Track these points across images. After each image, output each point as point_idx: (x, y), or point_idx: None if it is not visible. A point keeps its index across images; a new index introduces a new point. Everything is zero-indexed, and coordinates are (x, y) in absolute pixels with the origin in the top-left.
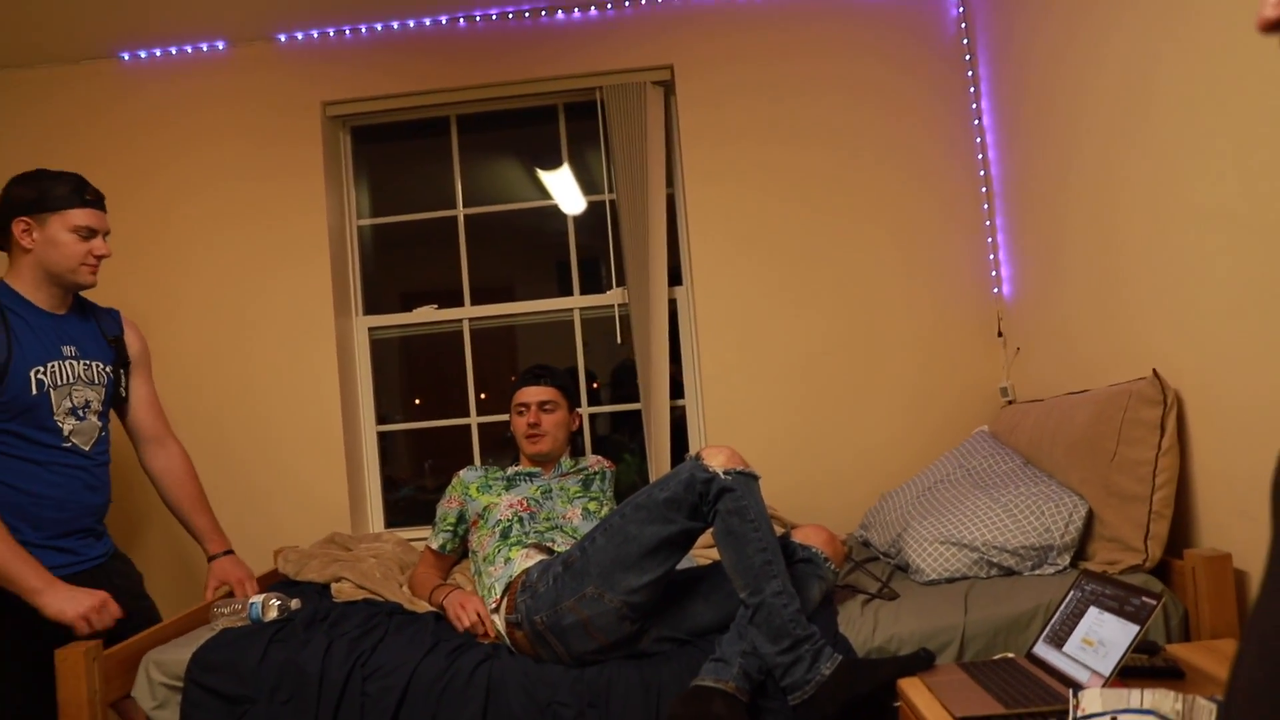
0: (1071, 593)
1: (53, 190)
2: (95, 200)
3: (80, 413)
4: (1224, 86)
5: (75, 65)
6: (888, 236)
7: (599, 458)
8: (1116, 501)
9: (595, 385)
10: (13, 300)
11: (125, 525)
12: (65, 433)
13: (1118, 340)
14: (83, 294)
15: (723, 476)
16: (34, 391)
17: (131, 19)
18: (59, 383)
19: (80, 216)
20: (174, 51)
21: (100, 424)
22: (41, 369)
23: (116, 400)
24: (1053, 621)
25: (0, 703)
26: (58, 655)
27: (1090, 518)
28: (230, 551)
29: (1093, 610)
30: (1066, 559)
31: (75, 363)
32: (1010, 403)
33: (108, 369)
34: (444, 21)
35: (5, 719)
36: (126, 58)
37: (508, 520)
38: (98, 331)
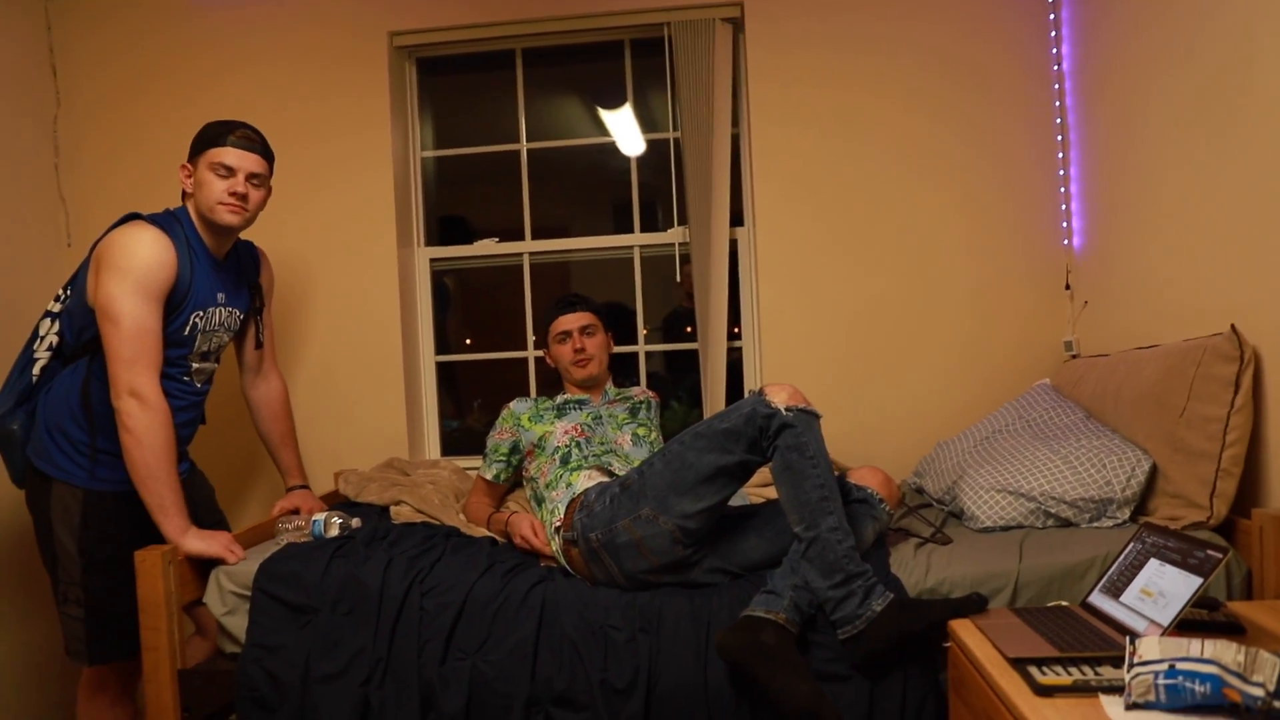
0: (1132, 544)
1: (205, 133)
2: (242, 141)
3: (210, 356)
4: None
5: None
6: (953, 187)
7: (644, 389)
8: (1183, 458)
9: (646, 331)
10: (196, 240)
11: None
12: (191, 370)
13: (1194, 296)
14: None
15: (784, 412)
16: (186, 333)
17: None
18: (206, 328)
19: (220, 154)
20: None
21: (218, 364)
22: (201, 313)
23: (239, 338)
24: (1110, 571)
25: (103, 597)
26: (138, 556)
27: (1154, 473)
28: (307, 487)
29: (1153, 562)
30: (1126, 513)
31: (222, 310)
32: (1074, 357)
33: (241, 316)
34: None
35: (106, 612)
36: None
37: (565, 446)
38: (242, 276)
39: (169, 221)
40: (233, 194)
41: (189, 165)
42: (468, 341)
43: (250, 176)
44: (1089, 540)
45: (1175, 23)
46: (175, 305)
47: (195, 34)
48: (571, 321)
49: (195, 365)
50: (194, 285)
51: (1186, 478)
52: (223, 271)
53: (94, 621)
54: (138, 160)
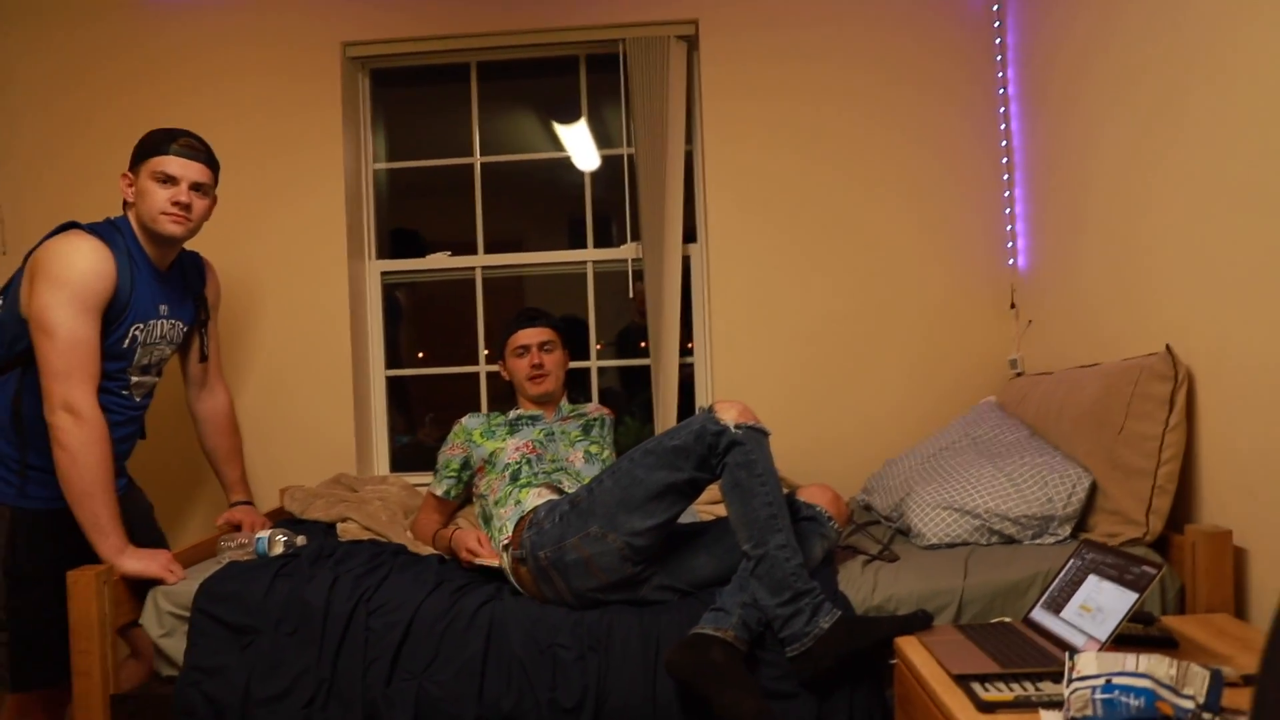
0: (1072, 560)
1: (147, 141)
2: (186, 149)
3: (151, 369)
4: (1256, 62)
5: None
6: (905, 204)
7: (599, 405)
8: (1120, 475)
9: (600, 346)
10: (137, 251)
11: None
12: (131, 383)
13: (1132, 315)
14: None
15: (734, 430)
16: (125, 345)
17: None
18: (147, 341)
19: (162, 163)
20: None
21: (159, 378)
22: (141, 326)
23: (183, 351)
24: (1052, 587)
25: (29, 620)
26: (70, 577)
27: (1094, 490)
28: (250, 503)
29: (1092, 578)
30: (1068, 530)
31: (164, 322)
32: (1019, 375)
33: (185, 329)
34: None
35: (32, 636)
36: None
37: (516, 463)
38: (187, 288)
39: (109, 231)
40: (175, 203)
41: (130, 174)
42: (420, 355)
43: (194, 186)
44: (1031, 557)
45: (1115, 51)
46: (114, 317)
47: (138, 33)
48: (531, 336)
49: (135, 379)
50: (134, 297)
51: (1124, 494)
52: (165, 283)
53: (19, 646)
54: (77, 164)
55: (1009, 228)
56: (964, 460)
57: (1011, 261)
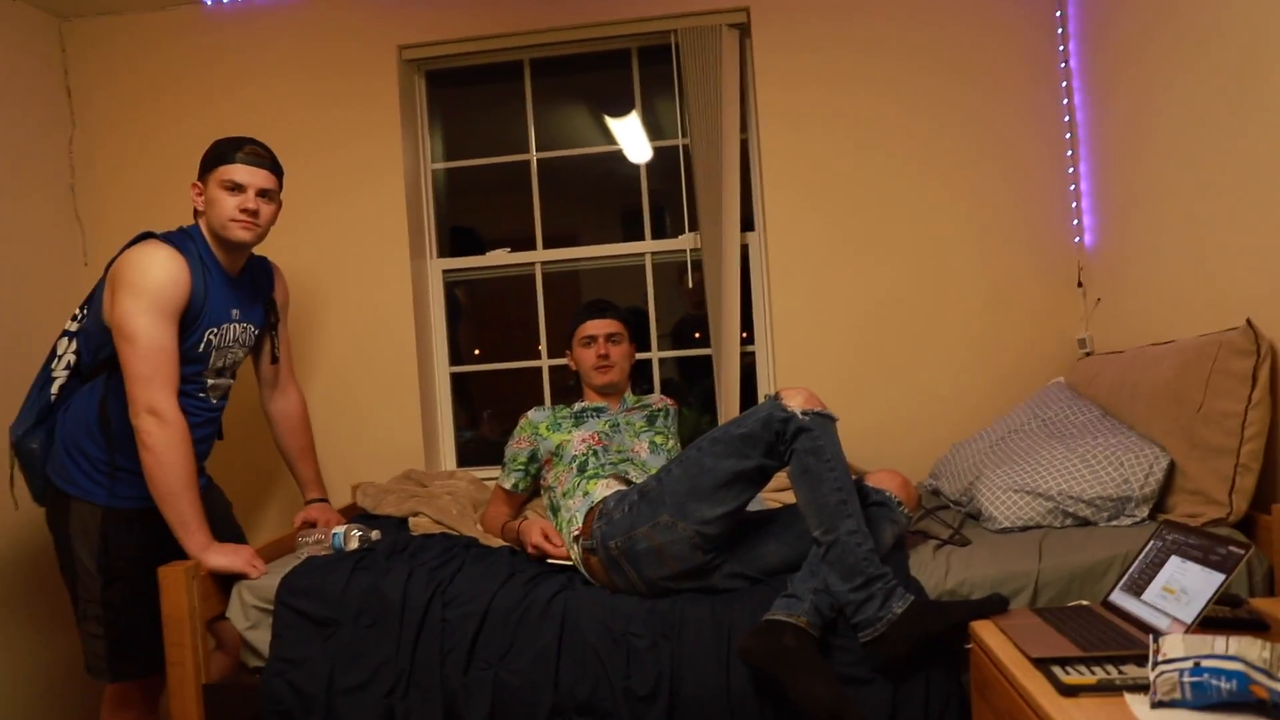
0: (1152, 542)
1: (213, 151)
2: (251, 157)
3: (225, 372)
4: None
5: (161, 12)
6: (964, 184)
7: (662, 396)
8: (1200, 454)
9: (657, 335)
10: (209, 257)
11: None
12: (207, 386)
13: (1207, 291)
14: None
15: (800, 416)
16: (200, 349)
17: None
18: (221, 344)
19: (229, 171)
20: None
21: (234, 380)
22: (215, 330)
23: (255, 353)
24: (1132, 569)
25: (123, 614)
26: (161, 572)
27: (1172, 470)
28: (325, 500)
29: (1174, 559)
30: (1145, 510)
31: (237, 325)
32: (1088, 354)
33: (256, 332)
34: None
35: (127, 629)
36: (209, 2)
37: (583, 455)
38: (257, 292)
39: (182, 240)
40: (244, 210)
41: (199, 184)
42: (476, 352)
43: (260, 192)
44: (1108, 539)
45: (1184, 20)
46: (189, 322)
47: (205, 49)
48: (599, 327)
49: (210, 381)
50: (208, 302)
51: (1205, 474)
52: (237, 288)
53: (114, 639)
54: (151, 178)
55: (1074, 205)
56: (1034, 442)
57: (1077, 239)
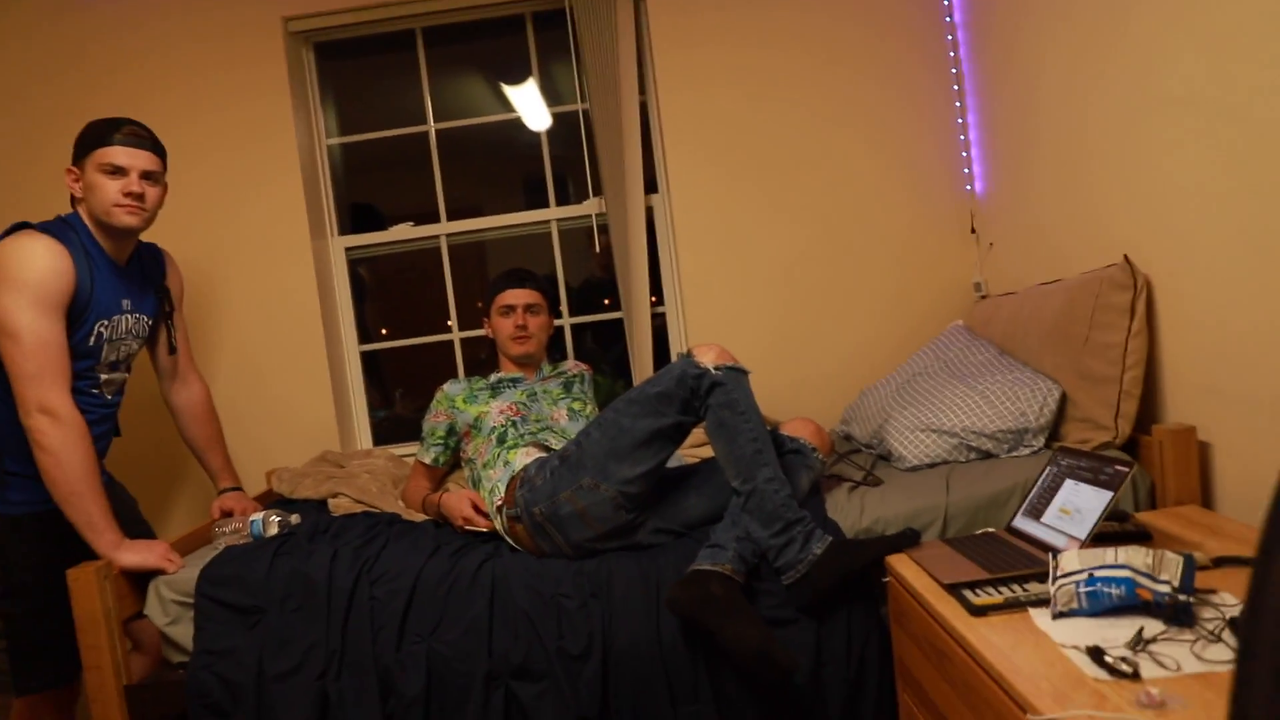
0: (1048, 468)
1: (89, 133)
2: (131, 138)
3: (120, 365)
4: None
5: None
6: (861, 138)
7: (576, 362)
8: (1088, 384)
9: (568, 301)
10: (93, 246)
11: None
12: (100, 381)
13: (1088, 230)
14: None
15: (714, 371)
16: (91, 343)
17: None
18: (113, 337)
19: (108, 154)
20: None
21: (128, 374)
22: (106, 322)
23: (150, 344)
24: (1031, 495)
25: (25, 624)
26: (70, 575)
27: (1064, 400)
28: (239, 488)
29: (1069, 482)
30: (1041, 440)
31: (129, 317)
32: (984, 297)
33: (150, 322)
34: None
35: (29, 639)
36: None
37: (501, 425)
38: (147, 280)
39: (62, 229)
40: (128, 194)
41: (75, 169)
42: (383, 331)
43: (144, 174)
44: (1009, 469)
45: None
46: (77, 315)
47: (83, 29)
48: (518, 297)
49: (104, 376)
50: (95, 293)
51: (1093, 402)
52: (126, 277)
53: (18, 651)
54: (27, 166)
55: (964, 154)
56: (937, 383)
57: (969, 187)
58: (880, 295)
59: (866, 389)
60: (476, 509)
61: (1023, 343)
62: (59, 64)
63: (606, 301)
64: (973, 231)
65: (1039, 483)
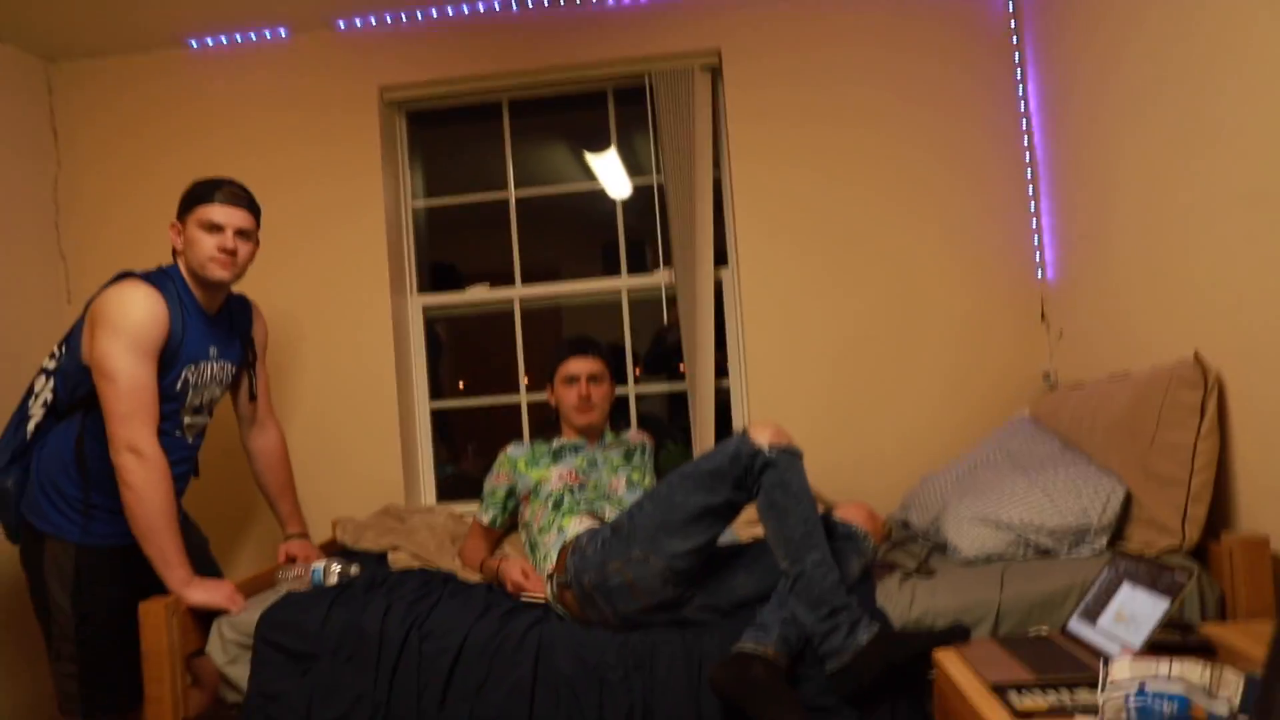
0: (1105, 570)
1: (192, 192)
2: (229, 197)
3: (203, 410)
4: (1276, 71)
5: (146, 54)
6: (930, 219)
7: (640, 431)
8: (1155, 485)
9: (638, 371)
10: (188, 296)
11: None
12: (183, 424)
13: (1160, 323)
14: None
15: (767, 451)
16: (178, 387)
17: (200, 6)
18: (198, 383)
19: (207, 211)
20: (239, 39)
21: (210, 418)
22: (193, 368)
23: (233, 390)
24: (1087, 598)
25: (97, 652)
26: (142, 608)
27: (1129, 500)
28: (305, 535)
29: (1126, 586)
30: (1104, 541)
31: (214, 364)
32: (1053, 387)
33: (234, 369)
34: (497, 7)
35: (100, 667)
36: (194, 45)
37: (559, 492)
38: (234, 330)
39: (161, 278)
40: (222, 249)
41: (178, 224)
42: (460, 386)
43: (238, 231)
44: (1068, 569)
45: (1135, 59)
46: (167, 360)
47: (188, 90)
48: (581, 367)
49: (187, 420)
50: (185, 340)
51: (1159, 504)
52: (215, 326)
53: (88, 678)
54: (134, 216)
55: (1035, 240)
56: (998, 474)
57: (1040, 273)
58: (943, 378)
59: (927, 476)
60: (528, 576)
61: (1089, 437)
62: (165, 122)
63: (680, 365)
64: (1043, 319)
65: (1096, 585)
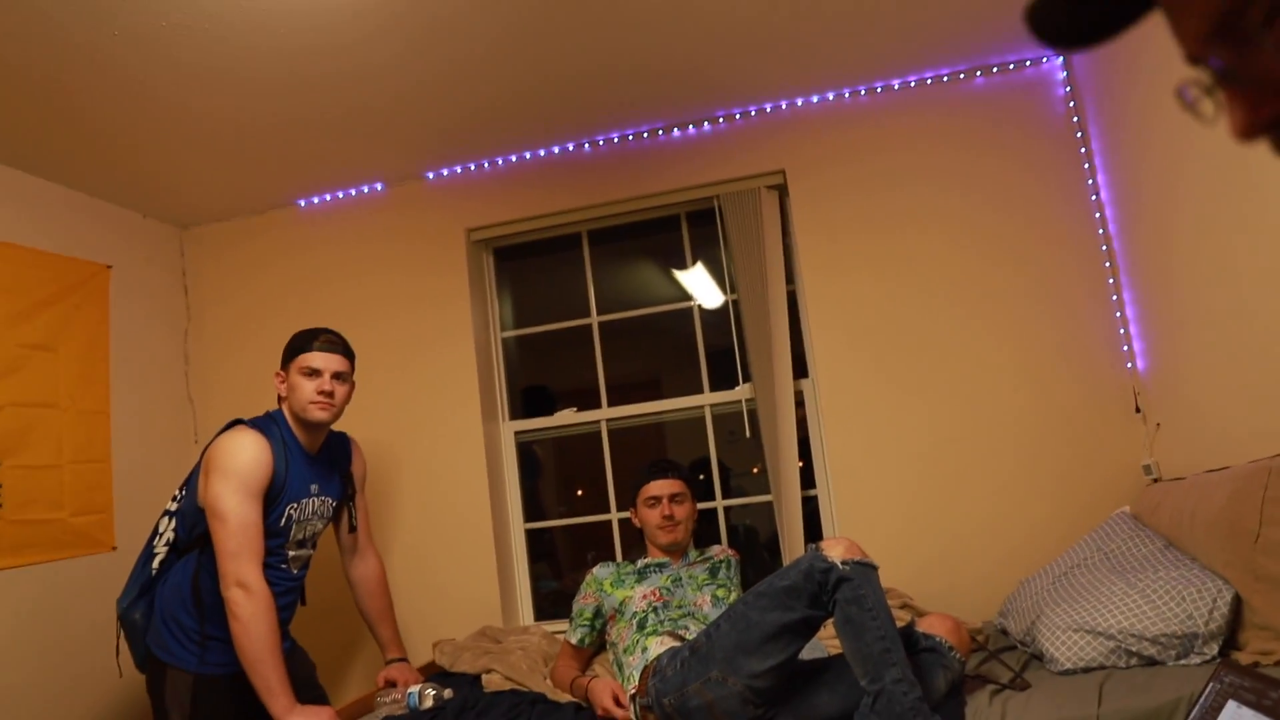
0: (1210, 685)
1: (293, 343)
2: (326, 345)
3: (306, 543)
4: None
5: (262, 215)
6: (1006, 318)
7: (723, 546)
8: (1265, 586)
9: (756, 470)
10: (290, 438)
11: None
12: (289, 557)
13: (1258, 412)
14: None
15: (840, 566)
16: (282, 524)
17: (307, 171)
18: (301, 518)
19: (307, 359)
20: (340, 195)
21: (314, 550)
22: (296, 505)
23: (335, 522)
24: (1192, 715)
25: None
26: None
27: (1238, 603)
28: (405, 659)
29: (1231, 704)
30: (1215, 648)
31: (316, 499)
32: (1155, 480)
33: (334, 504)
34: (571, 148)
35: None
36: (302, 204)
37: (643, 611)
38: (334, 467)
39: (267, 424)
40: (321, 392)
41: (282, 372)
42: (580, 493)
43: (335, 375)
44: (1173, 680)
45: (1201, 144)
46: (272, 499)
47: (298, 245)
48: (662, 488)
49: (291, 553)
50: (289, 480)
51: (1271, 608)
52: (316, 464)
53: None
54: (253, 359)
55: (1121, 330)
56: (1096, 577)
57: (1130, 364)
58: (1030, 478)
59: (1025, 579)
60: (618, 701)
61: (1189, 536)
62: (281, 277)
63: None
64: (1137, 410)
65: (1200, 702)
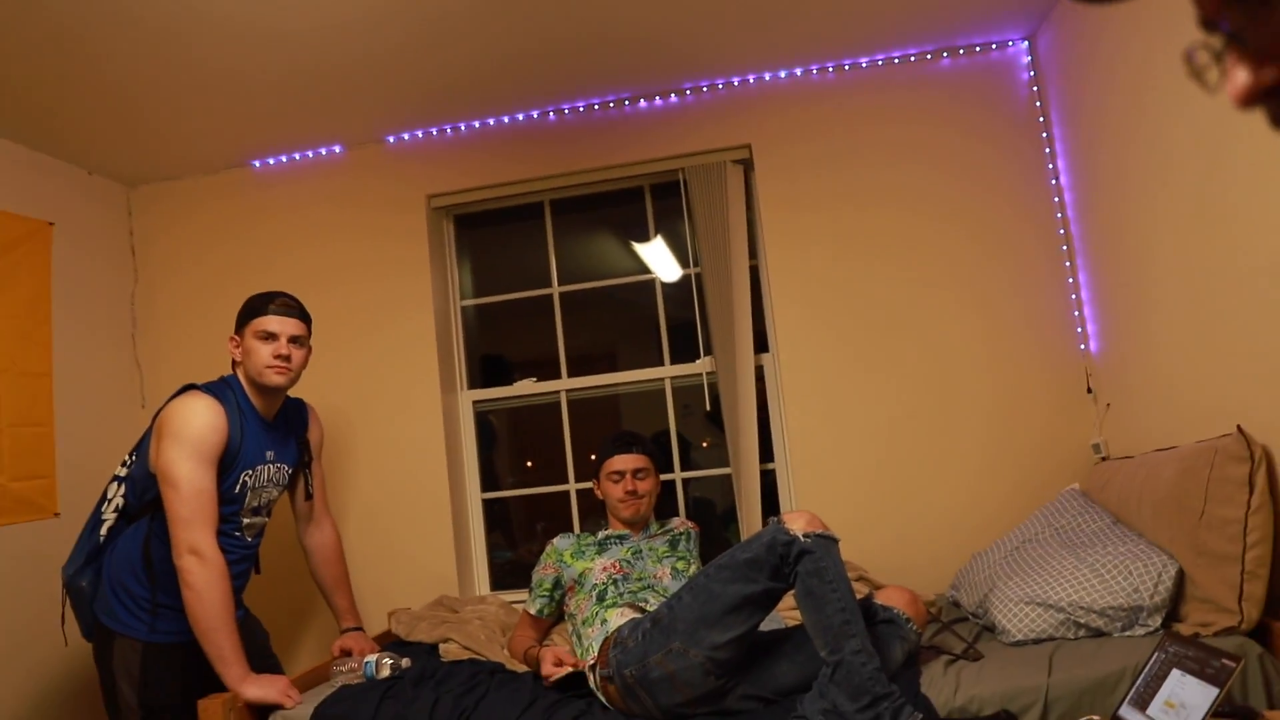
0: (1155, 655)
1: (248, 306)
2: (282, 308)
3: (261, 510)
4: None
5: (214, 175)
6: (968, 296)
7: (683, 519)
8: (1207, 561)
9: (706, 444)
10: (246, 404)
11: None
12: (243, 525)
13: (1205, 395)
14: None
15: (802, 539)
16: (237, 490)
17: (263, 131)
18: (256, 485)
19: (263, 322)
20: (298, 157)
21: (268, 518)
22: (250, 472)
23: (290, 489)
24: (1138, 684)
25: None
26: (201, 705)
27: (1181, 577)
28: (360, 628)
29: (1175, 672)
30: (1158, 620)
31: (271, 466)
32: (1104, 459)
33: (290, 471)
34: (536, 115)
35: None
36: (257, 165)
37: (603, 584)
38: (290, 433)
39: (221, 389)
40: (277, 356)
41: (236, 336)
42: (528, 465)
43: (291, 339)
44: (1120, 650)
45: (1154, 127)
46: (226, 465)
47: (253, 206)
48: (626, 463)
49: (246, 520)
50: (244, 446)
51: (1213, 582)
52: (271, 430)
53: None
54: (203, 323)
55: (1076, 313)
56: (1046, 552)
57: (1083, 346)
58: (988, 455)
59: (978, 554)
60: (560, 662)
61: (1137, 512)
62: (234, 236)
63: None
64: (1089, 391)
65: (1146, 670)
